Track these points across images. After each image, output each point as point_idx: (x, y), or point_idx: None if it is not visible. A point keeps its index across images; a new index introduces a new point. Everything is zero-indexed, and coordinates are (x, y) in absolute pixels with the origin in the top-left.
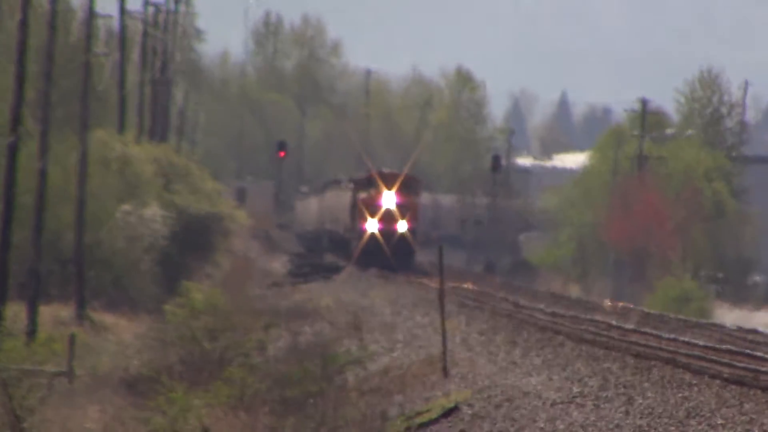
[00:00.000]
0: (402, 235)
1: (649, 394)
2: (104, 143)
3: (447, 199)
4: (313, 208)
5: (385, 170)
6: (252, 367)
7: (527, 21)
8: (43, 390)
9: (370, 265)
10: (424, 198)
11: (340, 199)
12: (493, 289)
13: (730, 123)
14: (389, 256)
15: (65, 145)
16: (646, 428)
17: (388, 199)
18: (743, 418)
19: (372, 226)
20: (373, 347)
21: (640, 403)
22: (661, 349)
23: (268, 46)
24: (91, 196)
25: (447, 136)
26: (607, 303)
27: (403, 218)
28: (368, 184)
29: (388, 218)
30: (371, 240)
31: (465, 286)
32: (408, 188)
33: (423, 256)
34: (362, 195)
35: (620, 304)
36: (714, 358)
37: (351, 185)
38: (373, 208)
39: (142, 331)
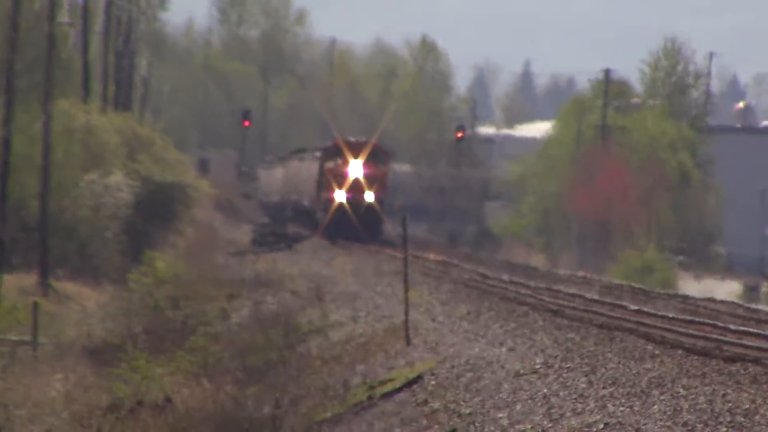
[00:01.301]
0: (370, 205)
1: (612, 365)
2: (68, 112)
3: (409, 168)
4: (277, 178)
5: (352, 139)
6: (215, 335)
7: None
8: (5, 358)
9: (337, 236)
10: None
11: (306, 168)
12: (457, 258)
13: (695, 93)
14: (357, 227)
15: (29, 114)
16: (609, 398)
17: (356, 169)
18: (706, 388)
19: (339, 196)
20: (335, 317)
21: (603, 373)
22: (624, 319)
23: (233, 15)
24: (55, 165)
25: (411, 106)
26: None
27: (371, 188)
28: (335, 153)
29: (355, 188)
30: (338, 210)
31: (432, 256)
32: (376, 158)
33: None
34: (329, 164)
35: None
36: (677, 328)
37: (317, 154)
38: (340, 178)
39: (105, 300)
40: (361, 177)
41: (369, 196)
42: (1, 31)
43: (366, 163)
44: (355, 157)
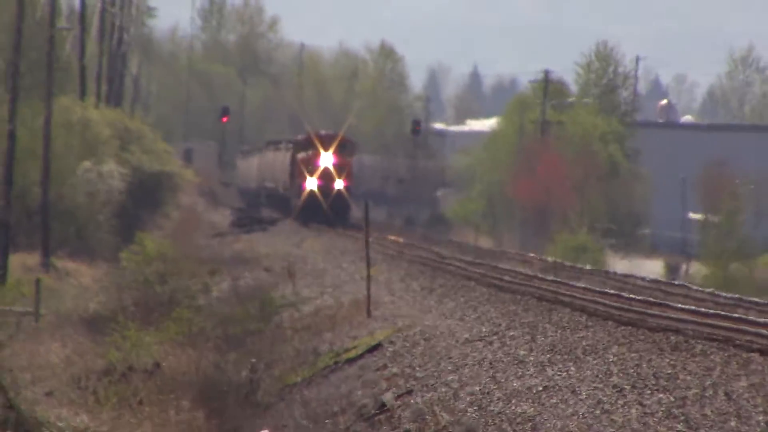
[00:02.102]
0: (339, 192)
1: (550, 334)
2: (67, 108)
3: (370, 159)
4: (253, 167)
5: (323, 132)
6: (198, 308)
7: (443, 1)
8: (12, 328)
9: (309, 220)
10: None
11: (280, 158)
12: (413, 240)
13: (623, 93)
14: (327, 212)
15: (32, 109)
16: (548, 363)
17: (326, 159)
18: (633, 354)
19: (311, 183)
20: (305, 292)
21: (542, 341)
22: (560, 293)
23: (213, 22)
24: (55, 155)
25: (372, 103)
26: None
27: (339, 177)
28: (307, 145)
29: (326, 177)
30: (310, 197)
31: (391, 237)
32: (343, 149)
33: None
34: (301, 155)
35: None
36: (607, 302)
37: (290, 146)
38: (311, 168)
39: (100, 276)
40: (330, 166)
41: (338, 184)
42: (6, 35)
43: (335, 154)
44: (326, 149)
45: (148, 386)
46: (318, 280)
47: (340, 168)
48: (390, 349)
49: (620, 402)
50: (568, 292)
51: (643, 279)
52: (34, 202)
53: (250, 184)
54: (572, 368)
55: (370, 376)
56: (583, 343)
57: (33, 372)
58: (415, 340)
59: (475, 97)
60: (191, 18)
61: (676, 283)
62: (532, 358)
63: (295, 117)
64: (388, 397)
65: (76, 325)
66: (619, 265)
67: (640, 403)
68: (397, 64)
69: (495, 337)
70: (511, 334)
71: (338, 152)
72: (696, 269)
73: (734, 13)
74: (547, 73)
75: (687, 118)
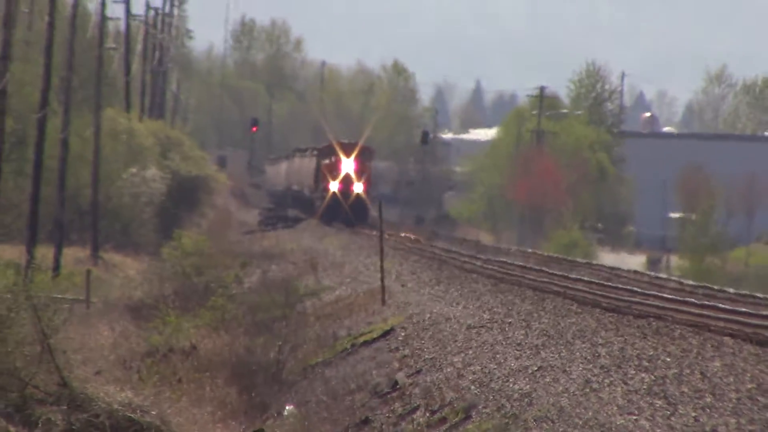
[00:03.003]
0: (358, 194)
1: (544, 320)
2: (114, 119)
3: (384, 165)
4: (281, 172)
5: (344, 141)
6: (230, 296)
7: (449, 21)
8: (65, 314)
9: (332, 220)
10: None
11: (306, 164)
12: (423, 237)
13: (610, 106)
14: (348, 213)
15: (83, 120)
16: (542, 347)
17: (347, 165)
18: (619, 338)
19: (334, 187)
20: (326, 282)
21: (537, 327)
22: (553, 284)
23: (244, 42)
24: (103, 161)
25: (385, 115)
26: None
27: (359, 181)
28: (330, 152)
29: (347, 181)
30: (333, 199)
31: (403, 234)
32: (363, 156)
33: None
34: (325, 161)
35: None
36: (596, 291)
37: (315, 153)
38: (334, 172)
39: (143, 268)
40: (351, 172)
41: (358, 187)
42: (60, 54)
43: (355, 160)
44: (347, 155)
45: (186, 366)
46: (337, 272)
47: (360, 173)
48: (402, 334)
49: (607, 381)
50: (560, 283)
51: (626, 270)
52: (84, 202)
53: (278, 187)
54: (563, 351)
55: (384, 357)
56: (574, 328)
57: (84, 353)
58: (424, 325)
59: (477, 110)
60: (224, 39)
61: (657, 275)
62: (527, 342)
63: (318, 127)
64: (400, 376)
65: (122, 312)
66: (607, 258)
67: (625, 382)
68: (408, 80)
69: (494, 323)
70: (509, 320)
71: (358, 159)
72: (675, 262)
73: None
74: (542, 88)
75: (668, 129)
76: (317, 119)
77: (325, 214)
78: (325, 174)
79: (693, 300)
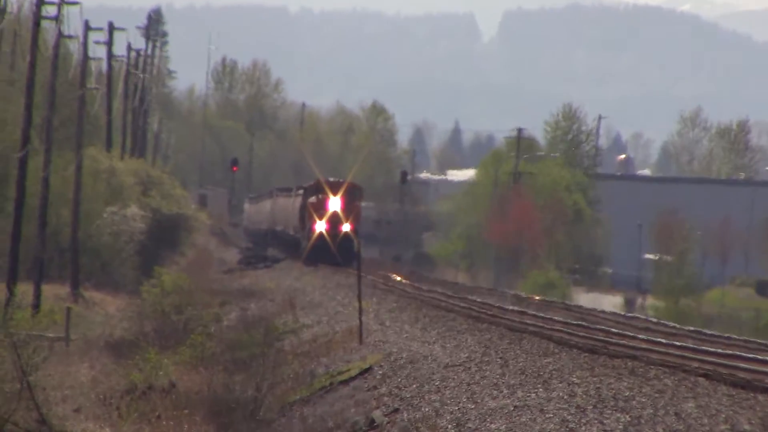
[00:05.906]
0: (346, 234)
1: (521, 359)
2: (95, 158)
3: (364, 205)
4: (264, 211)
5: (331, 179)
6: (209, 334)
7: (428, 65)
8: (45, 351)
9: (318, 261)
10: None
11: (291, 203)
12: (402, 276)
13: (586, 147)
14: (335, 253)
15: (64, 159)
16: (518, 385)
17: (334, 204)
18: (594, 378)
19: (320, 226)
20: (304, 320)
21: (514, 366)
22: (530, 324)
23: (225, 83)
24: (84, 200)
25: (365, 156)
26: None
27: (347, 220)
28: (317, 190)
29: (334, 220)
30: (320, 239)
31: (386, 273)
32: (350, 195)
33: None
34: (311, 200)
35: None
36: (572, 331)
37: (301, 191)
38: (321, 211)
39: (123, 306)
40: (339, 210)
41: (346, 227)
42: (41, 93)
43: (342, 198)
44: (334, 194)
45: (165, 403)
46: (315, 311)
47: (348, 211)
48: (380, 372)
49: (583, 420)
50: (536, 323)
51: (601, 311)
52: (65, 240)
53: (260, 227)
54: (540, 390)
55: (362, 395)
56: (550, 368)
57: (63, 391)
58: (401, 364)
59: (455, 151)
60: (206, 79)
61: (632, 315)
62: (504, 381)
63: (298, 166)
64: (377, 414)
65: (101, 349)
66: (583, 298)
67: (601, 422)
68: (387, 121)
69: (472, 362)
70: (487, 359)
71: (346, 197)
72: (650, 303)
73: (684, 79)
74: (519, 130)
75: (644, 171)
76: (297, 158)
77: (310, 255)
78: (312, 213)
79: (668, 341)
